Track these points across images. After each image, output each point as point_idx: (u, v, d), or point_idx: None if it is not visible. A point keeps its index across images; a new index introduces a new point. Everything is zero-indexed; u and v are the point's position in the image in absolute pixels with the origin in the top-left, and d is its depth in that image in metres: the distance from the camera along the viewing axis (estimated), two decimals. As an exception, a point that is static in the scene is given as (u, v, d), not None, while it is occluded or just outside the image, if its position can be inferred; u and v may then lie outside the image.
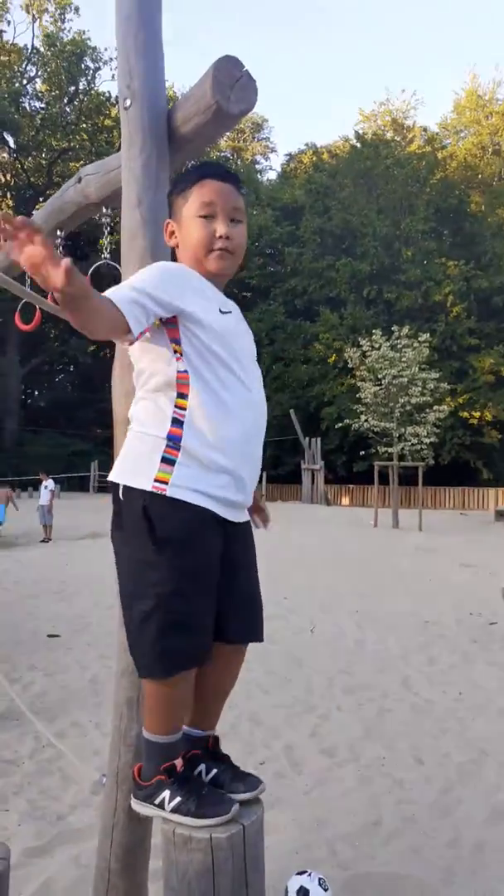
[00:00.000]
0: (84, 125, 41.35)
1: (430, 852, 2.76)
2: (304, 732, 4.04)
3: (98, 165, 2.53)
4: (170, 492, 1.48)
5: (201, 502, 1.50)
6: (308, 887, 2.33)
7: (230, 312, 1.62)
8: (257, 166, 54.56)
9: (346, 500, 32.89)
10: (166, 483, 1.49)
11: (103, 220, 2.66)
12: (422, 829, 2.94)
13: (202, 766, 1.61)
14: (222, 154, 49.18)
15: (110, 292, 1.45)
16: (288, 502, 30.16)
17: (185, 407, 1.52)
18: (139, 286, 1.48)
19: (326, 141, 51.70)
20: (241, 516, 1.63)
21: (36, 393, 46.95)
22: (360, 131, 41.16)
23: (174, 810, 1.48)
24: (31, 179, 40.65)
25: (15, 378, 39.66)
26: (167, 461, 1.50)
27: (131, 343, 1.54)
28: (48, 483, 16.04)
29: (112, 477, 1.59)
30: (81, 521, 18.06)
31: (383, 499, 23.06)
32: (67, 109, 41.47)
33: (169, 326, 1.55)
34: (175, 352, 1.54)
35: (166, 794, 1.50)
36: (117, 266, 2.20)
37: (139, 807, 1.57)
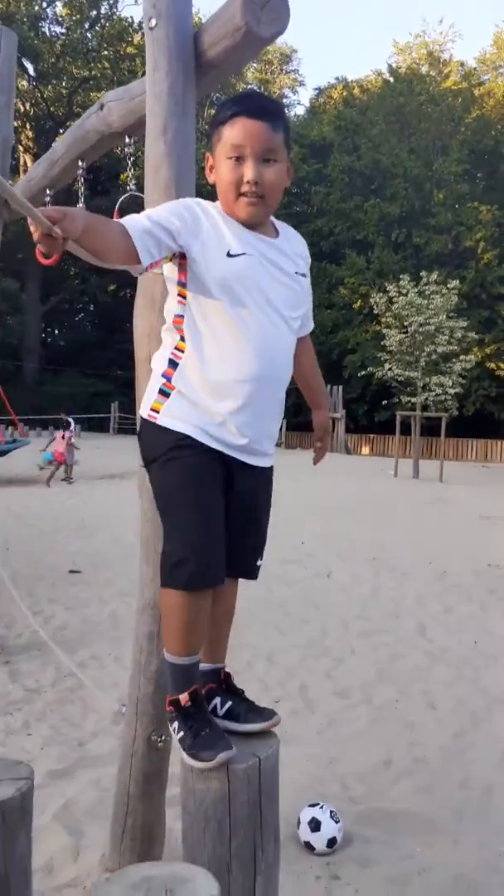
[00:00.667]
0: (106, 52, 39.96)
1: (440, 792, 2.82)
2: (318, 673, 4.12)
3: (121, 91, 2.44)
4: (160, 420, 1.58)
5: (187, 430, 1.54)
6: (320, 818, 2.42)
7: (243, 255, 1.55)
8: (285, 100, 52.54)
9: (366, 450, 32.82)
10: (157, 412, 1.59)
11: (126, 150, 2.57)
12: (433, 770, 3.01)
13: (217, 699, 1.65)
14: (248, 86, 47.45)
15: (126, 220, 1.46)
16: (307, 450, 30.11)
17: (183, 349, 1.59)
18: (154, 216, 1.51)
19: (358, 75, 49.48)
20: (256, 460, 1.62)
21: (56, 332, 46.83)
22: (394, 65, 39.38)
23: (179, 741, 1.54)
24: (51, 109, 39.58)
25: (35, 316, 39.58)
26: (163, 393, 1.60)
27: (140, 274, 1.55)
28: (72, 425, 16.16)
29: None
30: (101, 461, 18.26)
31: (404, 449, 22.92)
32: (89, 35, 40.04)
33: (181, 269, 1.57)
34: (179, 294, 1.59)
35: (176, 724, 1.56)
36: (142, 195, 2.13)
37: (169, 727, 1.61)
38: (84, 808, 2.61)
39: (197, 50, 2.02)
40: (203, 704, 1.59)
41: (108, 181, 32.94)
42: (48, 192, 3.27)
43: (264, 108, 1.56)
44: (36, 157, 35.94)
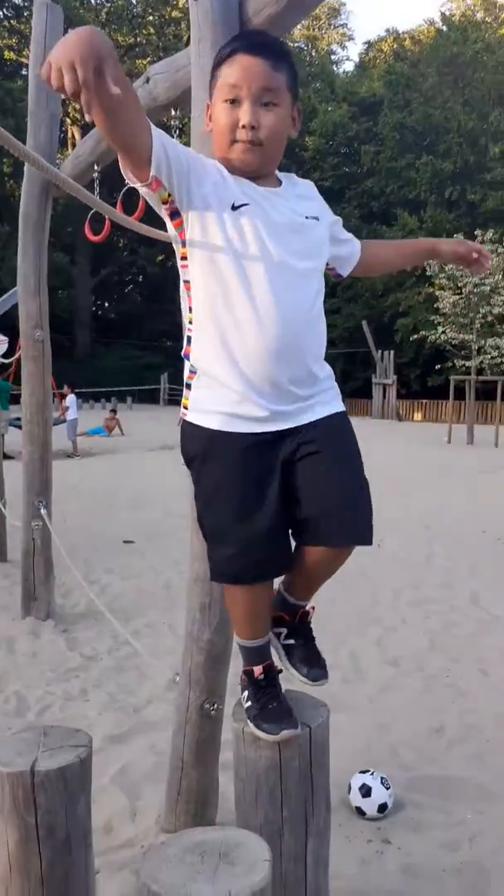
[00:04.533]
0: (150, 18, 39.51)
1: (491, 758, 2.83)
2: (369, 641, 4.14)
3: (166, 64, 2.42)
4: (189, 416, 1.52)
5: (212, 424, 1.46)
6: (371, 785, 2.45)
7: (247, 205, 1.42)
8: (333, 57, 51.12)
9: (418, 416, 32.29)
10: (187, 408, 1.54)
11: (172, 122, 2.56)
12: (485, 736, 3.01)
13: (284, 630, 1.68)
14: (296, 45, 46.19)
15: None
16: (357, 417, 29.91)
17: (192, 321, 1.49)
18: (170, 143, 1.39)
19: (410, 26, 47.58)
20: (295, 420, 1.48)
21: (106, 305, 47.23)
22: (447, 12, 37.69)
23: (246, 710, 1.57)
24: (98, 80, 39.54)
25: (85, 289, 40.01)
26: (188, 385, 1.53)
27: (138, 187, 1.41)
28: (70, 398, 15.45)
29: None
30: (153, 432, 18.49)
31: (458, 414, 22.47)
32: (133, 1, 39.60)
33: (181, 227, 1.45)
34: (183, 258, 1.48)
35: (246, 693, 1.60)
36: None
37: (241, 695, 1.63)
38: (141, 771, 2.70)
39: (242, 18, 1.98)
40: (276, 679, 1.60)
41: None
42: (95, 167, 3.28)
43: (264, 43, 1.45)
44: (83, 128, 35.92)
